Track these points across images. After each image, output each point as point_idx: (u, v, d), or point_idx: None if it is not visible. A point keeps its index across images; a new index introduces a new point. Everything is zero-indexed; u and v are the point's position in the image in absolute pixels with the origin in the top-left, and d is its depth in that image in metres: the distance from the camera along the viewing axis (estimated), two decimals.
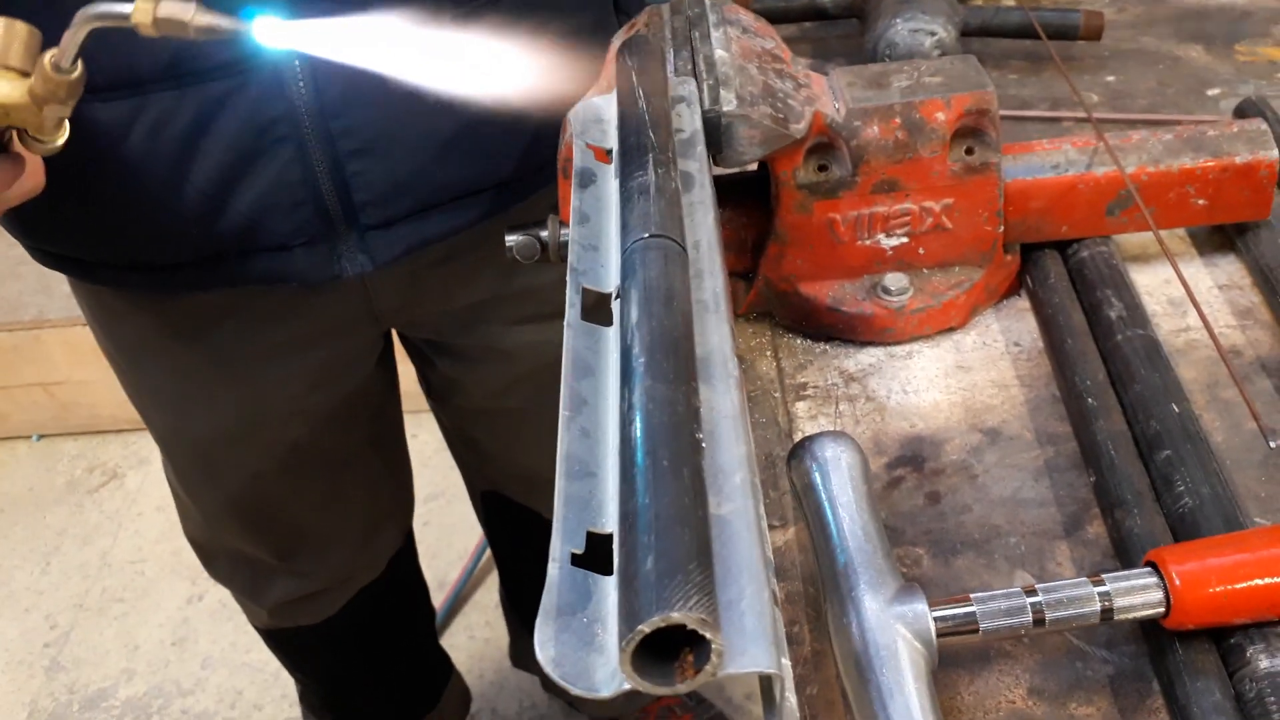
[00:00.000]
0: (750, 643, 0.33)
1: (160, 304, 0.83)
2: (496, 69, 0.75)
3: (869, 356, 0.65)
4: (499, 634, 1.45)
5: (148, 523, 1.74)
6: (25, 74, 0.55)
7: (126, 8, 0.52)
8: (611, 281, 0.48)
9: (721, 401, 0.40)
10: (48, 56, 0.54)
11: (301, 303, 0.84)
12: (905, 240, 0.65)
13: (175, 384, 0.89)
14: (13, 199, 0.59)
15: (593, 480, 0.39)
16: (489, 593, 1.58)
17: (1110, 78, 0.86)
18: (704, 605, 0.31)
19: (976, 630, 0.47)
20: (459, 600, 1.57)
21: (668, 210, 0.46)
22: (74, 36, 0.54)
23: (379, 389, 0.99)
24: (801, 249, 0.65)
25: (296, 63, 0.68)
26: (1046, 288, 0.66)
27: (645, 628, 0.30)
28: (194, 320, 0.84)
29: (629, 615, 0.31)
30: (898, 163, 0.62)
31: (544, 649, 0.33)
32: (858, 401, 0.63)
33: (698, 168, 0.52)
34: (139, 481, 1.82)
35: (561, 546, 0.36)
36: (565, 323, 0.46)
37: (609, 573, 0.36)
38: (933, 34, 0.83)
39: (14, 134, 0.58)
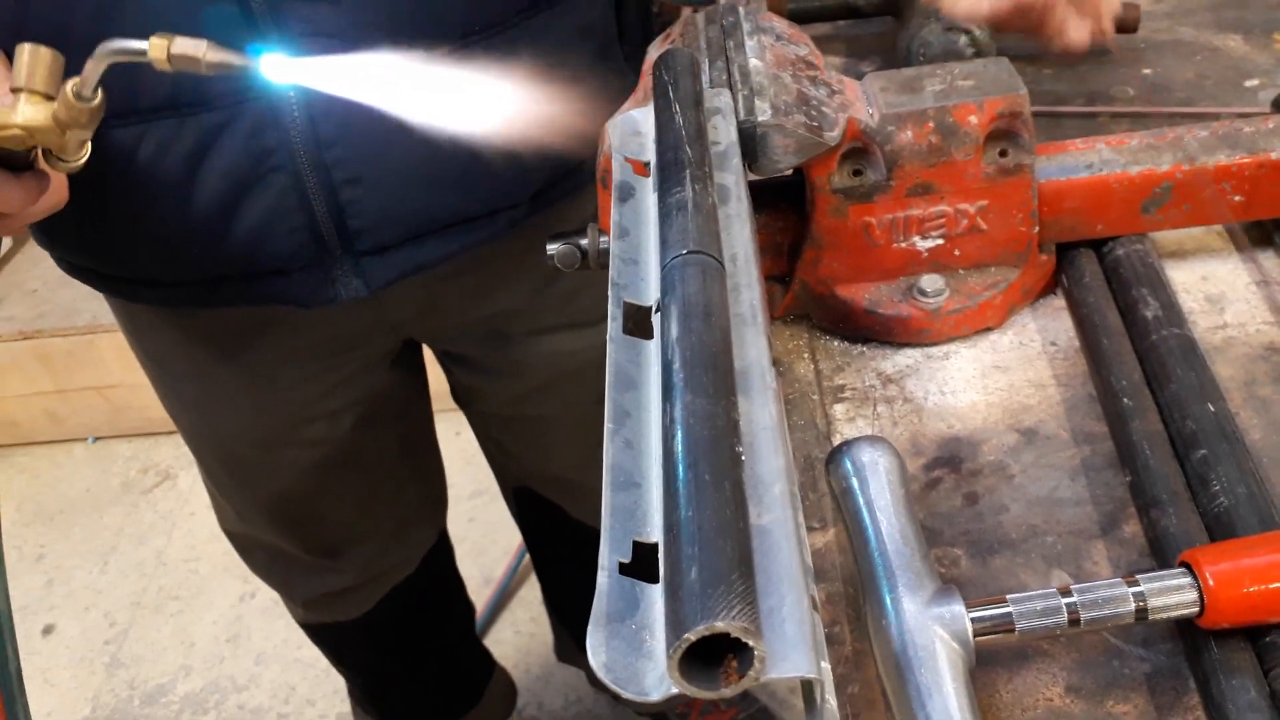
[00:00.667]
0: (791, 649, 0.34)
1: (180, 316, 0.87)
2: (495, 103, 0.77)
3: (906, 358, 0.66)
4: (544, 629, 1.47)
5: (200, 522, 1.78)
6: (49, 97, 0.57)
7: (142, 44, 0.54)
8: (652, 295, 0.49)
9: (760, 414, 0.41)
10: (70, 85, 0.57)
11: (314, 316, 0.87)
12: (940, 242, 0.66)
13: (200, 390, 0.93)
14: (37, 214, 0.62)
15: (637, 491, 0.40)
16: (534, 589, 1.60)
17: (1147, 70, 0.86)
18: (746, 614, 0.32)
19: (1013, 630, 0.47)
20: (504, 596, 1.60)
21: (705, 226, 0.47)
22: (95, 68, 0.56)
23: (403, 392, 1.01)
24: (837, 252, 0.66)
25: (292, 96, 0.71)
26: (1082, 287, 0.66)
27: (691, 636, 0.32)
28: (214, 331, 0.87)
29: (675, 624, 0.32)
30: (932, 166, 0.63)
31: (595, 655, 0.35)
32: (895, 403, 0.64)
33: (734, 180, 0.53)
34: (190, 482, 1.86)
35: (610, 555, 0.37)
36: (608, 336, 0.47)
37: (655, 580, 0.37)
38: (967, 32, 0.83)
39: (39, 153, 0.61)
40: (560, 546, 1.20)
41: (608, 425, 0.42)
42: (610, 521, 0.39)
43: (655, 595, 0.37)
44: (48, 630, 1.71)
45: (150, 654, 1.64)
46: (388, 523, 1.06)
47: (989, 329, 0.67)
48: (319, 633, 1.18)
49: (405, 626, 1.15)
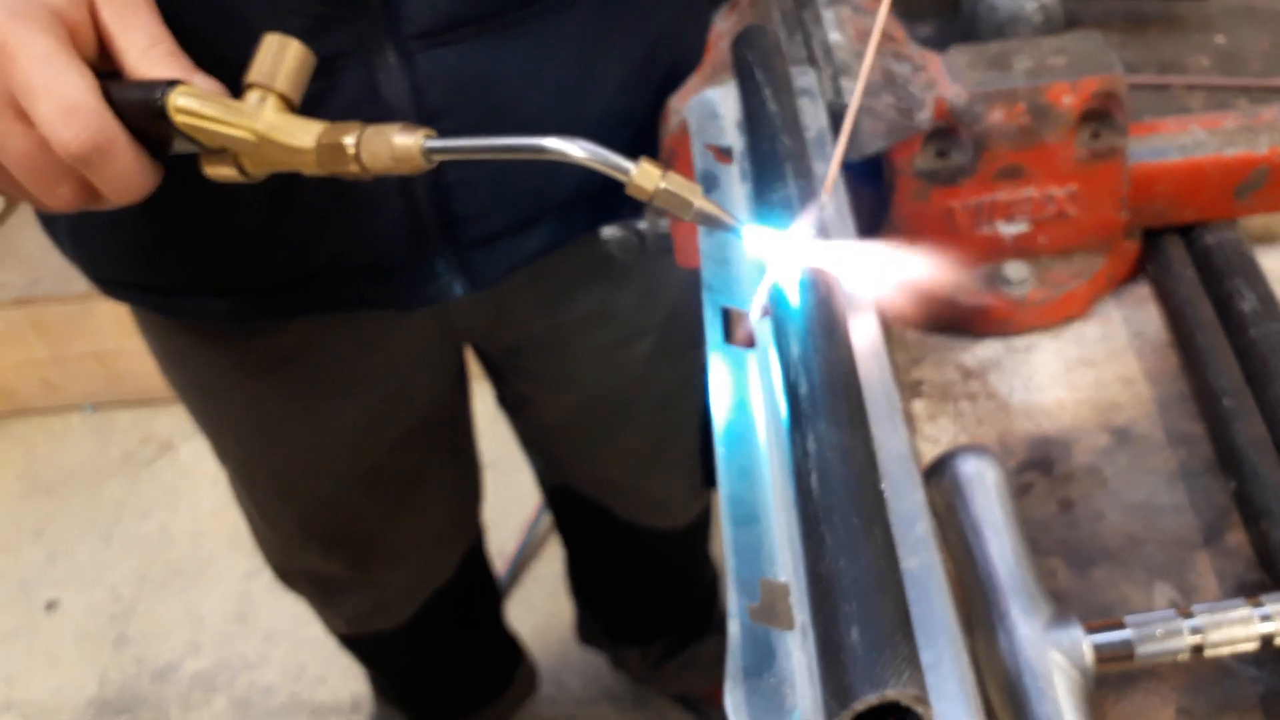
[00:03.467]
0: (956, 709, 0.31)
1: (233, 341, 0.79)
2: (610, 57, 0.69)
3: (986, 349, 0.63)
4: (560, 606, 1.44)
5: (204, 496, 1.74)
6: (290, 101, 0.48)
7: (628, 165, 0.43)
8: (748, 298, 0.45)
9: (890, 439, 0.37)
10: (420, 137, 0.45)
11: (379, 333, 0.80)
12: (1025, 228, 0.62)
13: (250, 419, 0.85)
14: (116, 205, 0.51)
15: (758, 525, 0.37)
16: (547, 564, 1.58)
17: (1220, 38, 0.82)
18: (915, 680, 0.29)
19: (1132, 656, 0.45)
20: (517, 572, 1.57)
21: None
22: (473, 150, 0.45)
23: (455, 403, 0.96)
24: (916, 237, 0.62)
25: (392, 59, 0.63)
26: (1171, 276, 0.63)
27: (859, 706, 0.28)
28: (268, 357, 0.80)
29: (837, 690, 0.29)
30: (1021, 149, 0.59)
31: (737, 714, 0.32)
32: (979, 399, 0.60)
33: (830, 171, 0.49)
34: (192, 453, 1.82)
35: (738, 601, 0.34)
36: (708, 346, 0.43)
37: (790, 626, 0.34)
38: None
39: (177, 141, 0.49)
40: (602, 545, 1.17)
41: (721, 450, 0.39)
42: (735, 562, 0.35)
43: (790, 644, 0.33)
44: (51, 606, 1.67)
45: (158, 631, 1.60)
46: (434, 531, 1.02)
47: (1072, 319, 0.64)
48: (358, 644, 1.15)
49: (443, 626, 1.11)
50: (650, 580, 1.20)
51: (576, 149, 0.42)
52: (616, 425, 0.96)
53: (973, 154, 0.59)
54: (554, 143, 0.42)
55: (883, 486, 0.34)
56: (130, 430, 1.89)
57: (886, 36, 0.60)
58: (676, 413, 0.99)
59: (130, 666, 1.57)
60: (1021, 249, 0.62)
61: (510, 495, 1.61)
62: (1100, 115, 0.59)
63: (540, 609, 1.52)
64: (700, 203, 0.42)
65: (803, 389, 0.36)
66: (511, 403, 1.01)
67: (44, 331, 1.83)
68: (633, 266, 0.72)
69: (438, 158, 0.45)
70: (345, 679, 1.49)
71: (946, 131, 0.59)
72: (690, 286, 0.98)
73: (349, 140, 0.45)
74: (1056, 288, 0.62)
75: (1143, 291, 0.65)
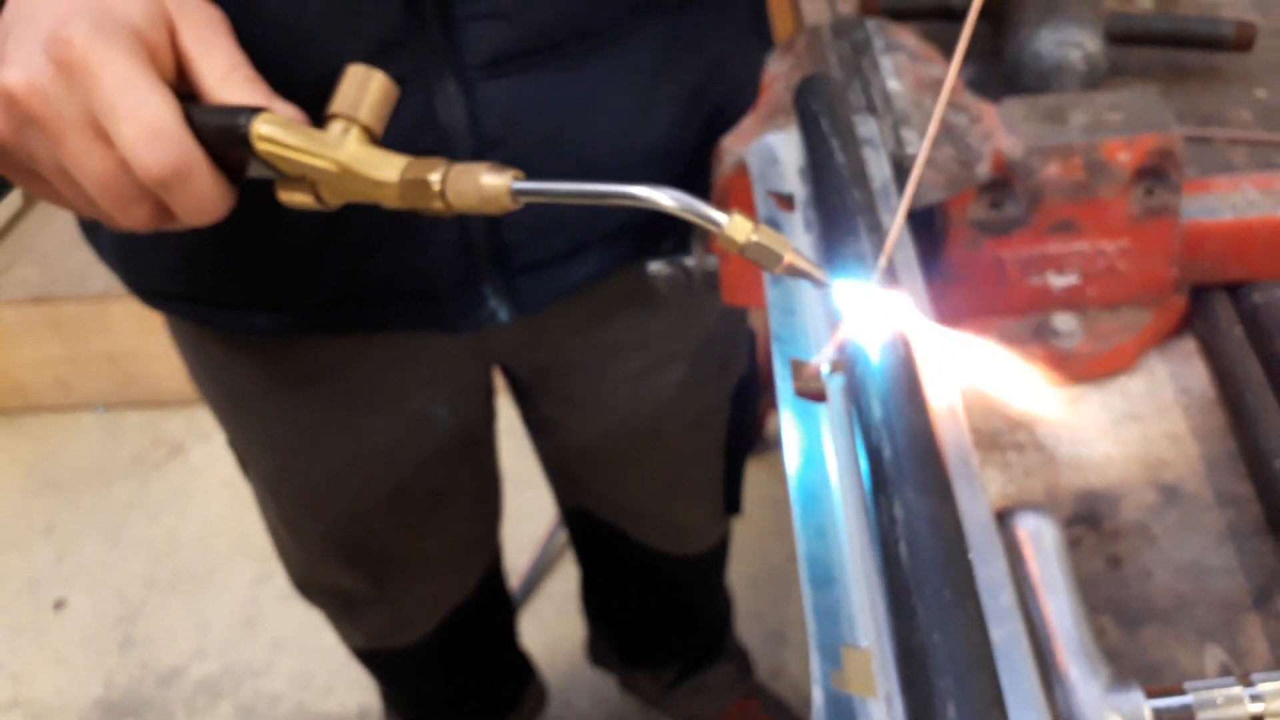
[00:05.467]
0: None
1: (269, 352, 0.79)
2: (670, 87, 0.69)
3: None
4: (571, 625, 1.44)
5: (213, 499, 1.74)
6: (372, 133, 0.47)
7: (720, 217, 0.42)
8: (816, 349, 0.46)
9: (971, 507, 0.38)
10: (509, 178, 0.44)
11: (414, 351, 0.81)
12: (1075, 281, 0.62)
13: (282, 431, 0.85)
14: (189, 226, 0.51)
15: (836, 587, 0.37)
16: (559, 582, 1.57)
17: (1261, 92, 0.83)
18: None
19: None
20: (529, 590, 1.57)
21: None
22: (562, 194, 0.44)
23: (482, 422, 0.96)
24: (966, 286, 0.62)
25: (451, 87, 0.63)
26: (1218, 333, 0.63)
27: None
28: (304, 371, 0.80)
29: None
30: (1075, 203, 0.59)
31: None
32: (1026, 450, 0.60)
33: (896, 225, 0.49)
34: (203, 457, 1.82)
35: (821, 666, 0.34)
36: (779, 399, 0.44)
37: (873, 693, 0.34)
38: (1080, 46, 0.79)
39: (253, 166, 0.48)
40: (618, 568, 1.17)
41: (797, 509, 0.39)
42: (816, 627, 0.35)
43: (875, 712, 0.34)
44: (59, 605, 1.67)
45: (164, 635, 1.60)
46: (456, 549, 1.02)
47: (1118, 372, 0.64)
48: (373, 659, 1.14)
49: (459, 644, 1.11)
50: (665, 605, 1.20)
51: (667, 198, 0.42)
52: (642, 451, 0.96)
53: (1026, 206, 0.59)
54: (644, 191, 0.42)
55: (973, 558, 0.34)
56: (141, 432, 1.89)
57: (942, 86, 0.60)
58: (702, 440, 0.99)
59: (136, 669, 1.56)
60: (1070, 301, 0.63)
61: (525, 509, 1.61)
62: (1155, 173, 0.60)
63: (551, 627, 1.52)
64: (791, 257, 0.42)
65: (886, 453, 0.36)
66: (537, 424, 1.01)
67: (59, 330, 1.83)
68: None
69: (525, 199, 0.45)
70: (352, 690, 1.49)
71: (1001, 183, 0.59)
72: (723, 315, 0.98)
73: (434, 177, 0.45)
74: (1105, 341, 0.62)
75: (1188, 347, 0.65)
